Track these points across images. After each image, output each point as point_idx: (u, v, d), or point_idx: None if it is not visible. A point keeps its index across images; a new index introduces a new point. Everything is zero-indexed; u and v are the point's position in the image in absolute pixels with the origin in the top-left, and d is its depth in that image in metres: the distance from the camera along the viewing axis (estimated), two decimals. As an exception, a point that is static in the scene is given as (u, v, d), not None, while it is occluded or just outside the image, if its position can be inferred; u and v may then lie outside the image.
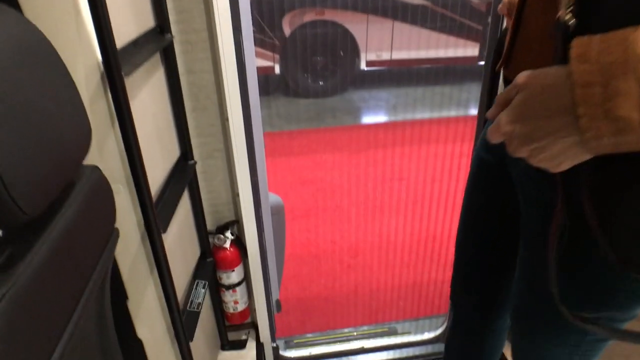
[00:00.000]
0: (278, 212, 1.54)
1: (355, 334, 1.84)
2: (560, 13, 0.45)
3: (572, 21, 0.44)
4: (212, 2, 1.01)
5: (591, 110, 0.40)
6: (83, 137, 0.63)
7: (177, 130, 1.11)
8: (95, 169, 0.69)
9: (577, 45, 0.41)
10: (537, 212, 0.66)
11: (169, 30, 1.01)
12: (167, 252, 0.94)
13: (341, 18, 4.34)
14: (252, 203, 1.25)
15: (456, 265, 0.98)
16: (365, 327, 1.91)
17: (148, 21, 0.96)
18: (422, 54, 4.60)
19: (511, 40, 0.64)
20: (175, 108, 1.08)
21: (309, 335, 1.90)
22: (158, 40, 0.97)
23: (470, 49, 4.57)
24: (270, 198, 1.41)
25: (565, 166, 0.47)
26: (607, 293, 0.60)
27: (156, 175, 0.99)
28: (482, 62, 1.03)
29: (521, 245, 0.73)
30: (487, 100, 0.86)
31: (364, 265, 2.44)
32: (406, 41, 4.52)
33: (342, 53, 4.53)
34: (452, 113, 4.40)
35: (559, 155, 0.46)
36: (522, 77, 0.46)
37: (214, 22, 1.02)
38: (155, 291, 1.00)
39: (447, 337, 1.15)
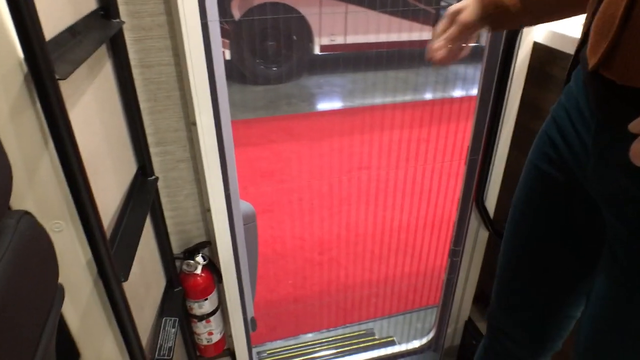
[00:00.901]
0: (250, 222, 1.35)
1: (330, 338, 1.71)
2: None
3: None
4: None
5: None
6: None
7: (133, 140, 0.89)
8: (24, 216, 0.48)
9: None
10: (637, 236, 0.53)
11: (116, 14, 0.78)
12: (127, 294, 0.74)
13: (293, 1, 4.12)
14: (227, 220, 1.06)
15: (501, 291, 0.85)
16: (340, 330, 1.78)
17: (88, 2, 0.73)
18: (377, 38, 4.49)
19: (616, 37, 0.50)
20: (129, 112, 0.85)
21: (280, 342, 1.75)
22: (103, 26, 0.74)
23: (425, 33, 4.51)
24: (241, 205, 1.22)
25: None
26: None
27: (109, 200, 0.77)
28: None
29: (603, 275, 0.60)
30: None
31: (334, 262, 2.31)
32: (360, 25, 4.38)
33: (295, 38, 4.31)
34: (408, 97, 4.35)
35: None
36: None
37: (176, 2, 0.80)
38: (115, 343, 0.79)
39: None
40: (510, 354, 0.88)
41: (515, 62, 1.03)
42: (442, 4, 4.23)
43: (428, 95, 4.42)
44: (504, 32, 1.02)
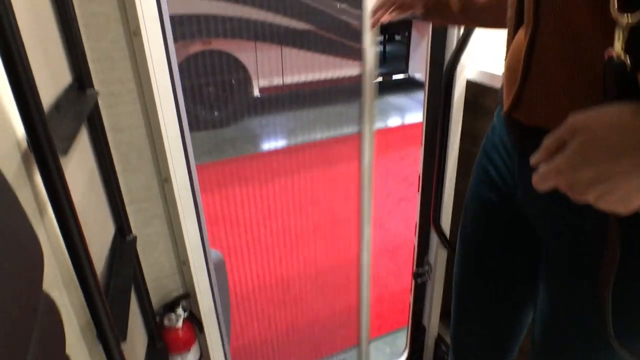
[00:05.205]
0: (220, 269, 1.37)
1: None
2: (611, 53, 0.44)
3: (628, 60, 0.42)
4: (141, 46, 0.85)
5: None
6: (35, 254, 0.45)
7: (110, 202, 0.91)
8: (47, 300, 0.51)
9: None
10: (568, 247, 0.63)
11: (90, 84, 0.82)
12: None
13: (229, 47, 4.22)
14: (205, 270, 1.08)
15: (458, 307, 0.92)
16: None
17: (64, 76, 0.77)
18: (312, 76, 4.67)
19: (521, 83, 0.60)
20: (106, 176, 0.88)
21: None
22: (80, 98, 0.77)
23: (356, 68, 4.76)
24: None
25: (636, 206, 0.44)
26: None
27: (96, 263, 0.78)
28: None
29: (545, 284, 0.70)
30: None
31: (298, 298, 2.33)
32: (296, 65, 4.55)
33: (234, 82, 4.40)
34: (348, 130, 4.53)
35: (629, 196, 0.43)
36: (577, 120, 0.44)
37: (147, 68, 0.85)
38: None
39: None
40: None
41: (453, 98, 1.16)
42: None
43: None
44: (444, 69, 1.15)
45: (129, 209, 1.00)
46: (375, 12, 0.89)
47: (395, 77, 5.32)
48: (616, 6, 0.43)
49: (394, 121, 4.72)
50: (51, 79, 0.69)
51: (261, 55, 4.41)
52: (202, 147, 4.24)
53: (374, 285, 2.32)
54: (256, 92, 4.59)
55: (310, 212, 3.07)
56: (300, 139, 4.45)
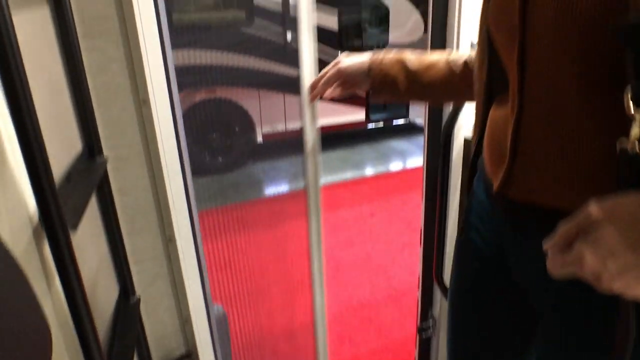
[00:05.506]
0: (222, 324, 1.36)
1: None
2: (624, 143, 0.45)
3: None
4: (149, 114, 0.88)
5: None
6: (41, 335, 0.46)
7: (115, 264, 0.92)
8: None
9: None
10: (569, 319, 0.64)
11: (100, 151, 0.85)
12: None
13: (233, 95, 4.34)
14: (208, 328, 1.08)
15: None
16: None
17: (75, 144, 0.80)
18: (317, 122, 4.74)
19: (510, 164, 0.62)
20: (112, 239, 0.89)
21: None
22: (90, 167, 0.80)
23: (359, 115, 4.87)
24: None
25: None
26: None
27: (99, 327, 0.79)
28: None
29: (543, 353, 0.70)
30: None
31: (302, 349, 2.28)
32: (299, 112, 4.64)
33: (237, 129, 4.49)
34: (349, 175, 4.57)
35: None
36: (597, 209, 0.44)
37: (154, 135, 0.89)
38: None
39: None
40: None
41: (452, 154, 1.19)
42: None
43: (368, 172, 4.67)
44: (442, 128, 1.19)
45: (133, 269, 1.01)
46: (314, 87, 0.93)
47: (396, 122, 5.42)
48: (631, 104, 0.45)
49: (395, 165, 4.77)
50: (63, 149, 0.72)
51: (264, 103, 4.52)
52: (205, 193, 4.28)
53: (378, 336, 2.28)
54: (259, 139, 4.67)
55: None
56: (302, 183, 4.49)
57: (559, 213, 0.55)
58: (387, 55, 0.91)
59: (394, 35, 4.61)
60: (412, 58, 0.89)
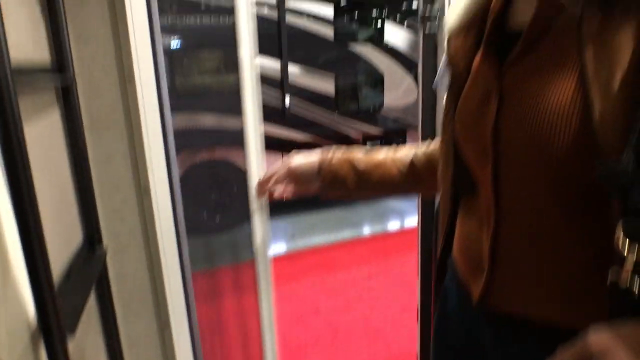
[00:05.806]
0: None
1: None
2: (614, 277, 0.45)
3: (636, 287, 0.44)
4: (150, 205, 0.91)
5: None
6: None
7: (109, 352, 0.91)
8: None
9: None
10: None
11: (100, 240, 0.87)
12: None
13: (231, 156, 4.41)
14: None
15: None
16: None
17: (76, 236, 0.82)
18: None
19: (488, 277, 0.61)
20: (107, 327, 0.89)
21: None
22: (91, 261, 0.82)
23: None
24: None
25: None
26: None
27: None
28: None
29: None
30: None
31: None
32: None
33: (236, 189, 4.53)
34: (346, 235, 4.55)
35: None
36: (598, 340, 0.43)
37: (154, 224, 0.91)
38: None
39: None
40: None
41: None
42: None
43: (365, 231, 4.66)
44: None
45: (126, 355, 1.00)
46: (263, 184, 0.95)
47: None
48: (621, 241, 0.44)
49: (393, 225, 4.77)
50: (63, 242, 0.74)
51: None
52: (200, 254, 4.24)
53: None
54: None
55: (310, 322, 2.99)
56: (300, 243, 4.46)
57: (544, 323, 0.55)
58: (337, 155, 0.92)
59: (389, 98, 4.76)
60: (361, 157, 0.90)
